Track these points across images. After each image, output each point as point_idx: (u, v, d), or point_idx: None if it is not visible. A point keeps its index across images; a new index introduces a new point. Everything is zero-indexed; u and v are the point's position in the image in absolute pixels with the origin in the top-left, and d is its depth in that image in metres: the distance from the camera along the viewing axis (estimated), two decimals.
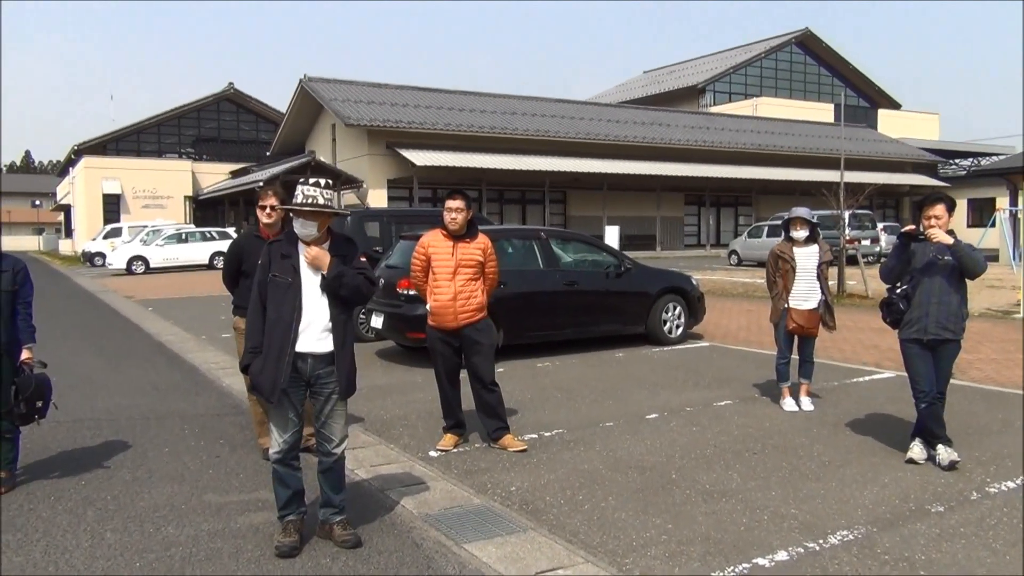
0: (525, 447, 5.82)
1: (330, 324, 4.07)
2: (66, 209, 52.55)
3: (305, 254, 4.07)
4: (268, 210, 5.47)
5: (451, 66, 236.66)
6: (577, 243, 11.03)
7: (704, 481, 5.11)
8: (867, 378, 8.37)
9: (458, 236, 5.79)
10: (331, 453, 4.20)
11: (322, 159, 33.34)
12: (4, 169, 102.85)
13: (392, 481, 5.16)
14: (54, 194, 62.47)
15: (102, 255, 32.91)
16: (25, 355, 5.09)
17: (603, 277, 10.26)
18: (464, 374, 5.98)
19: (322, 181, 4.08)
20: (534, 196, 36.34)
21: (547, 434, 6.25)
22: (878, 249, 26.27)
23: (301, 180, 4.14)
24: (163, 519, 4.57)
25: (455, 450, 5.86)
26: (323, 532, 4.25)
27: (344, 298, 4.11)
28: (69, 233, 50.42)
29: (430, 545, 4.16)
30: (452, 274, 5.74)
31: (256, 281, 4.16)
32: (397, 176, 31.96)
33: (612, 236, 27.36)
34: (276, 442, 4.12)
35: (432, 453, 5.77)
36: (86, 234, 40.69)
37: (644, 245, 35.88)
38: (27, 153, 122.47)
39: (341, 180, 31.67)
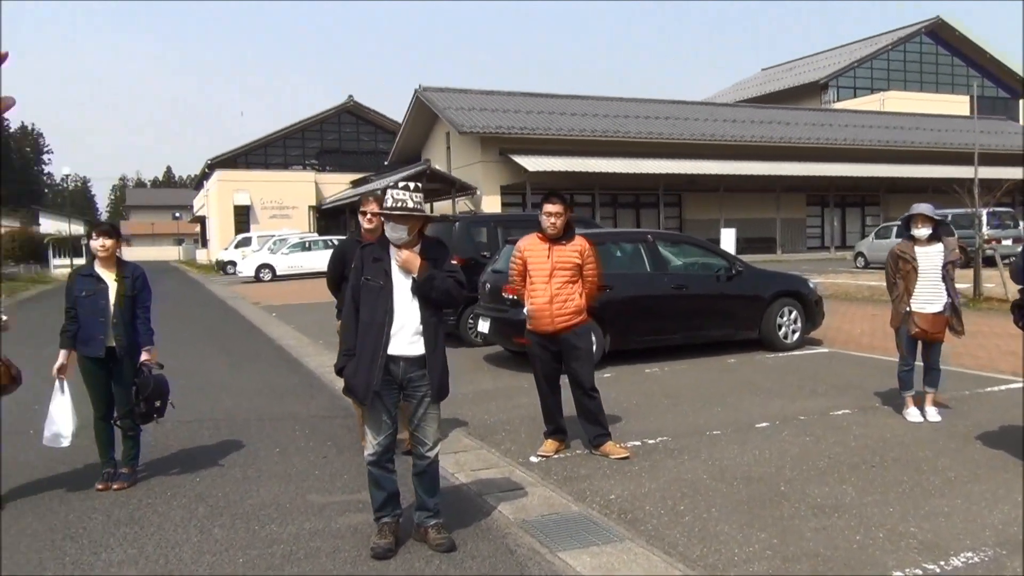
0: (627, 454, 5.69)
1: (421, 327, 4.09)
2: (202, 220, 55.75)
3: (396, 257, 4.10)
4: (369, 216, 5.56)
5: (562, 71, 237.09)
6: (686, 245, 10.76)
7: (816, 495, 4.83)
8: (1003, 387, 7.76)
9: (554, 239, 5.73)
10: (425, 456, 4.22)
11: (437, 167, 33.99)
12: (131, 184, 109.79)
13: (491, 486, 5.14)
14: (191, 206, 66.27)
15: (233, 263, 34.71)
16: (144, 357, 5.35)
17: (713, 280, 9.96)
18: (565, 379, 5.91)
19: (411, 185, 4.11)
20: (648, 200, 35.83)
21: (651, 441, 6.09)
22: (1021, 249, 24.44)
23: (391, 185, 4.18)
24: (268, 517, 4.71)
25: (555, 456, 5.78)
26: (418, 535, 4.26)
27: (435, 301, 4.11)
28: (205, 243, 53.45)
29: (524, 552, 4.10)
30: (548, 277, 5.68)
31: (350, 285, 4.23)
32: (510, 182, 32.19)
33: (728, 239, 26.60)
34: (370, 444, 4.17)
35: (532, 459, 5.72)
36: (220, 243, 43.00)
37: (763, 248, 34.75)
38: (168, 168, 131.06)
39: (456, 187, 32.21)
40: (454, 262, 4.27)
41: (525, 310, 5.89)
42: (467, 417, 6.94)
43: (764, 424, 6.52)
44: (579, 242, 5.78)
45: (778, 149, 36.10)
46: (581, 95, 37.78)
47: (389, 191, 4.13)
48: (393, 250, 4.14)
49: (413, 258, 4.06)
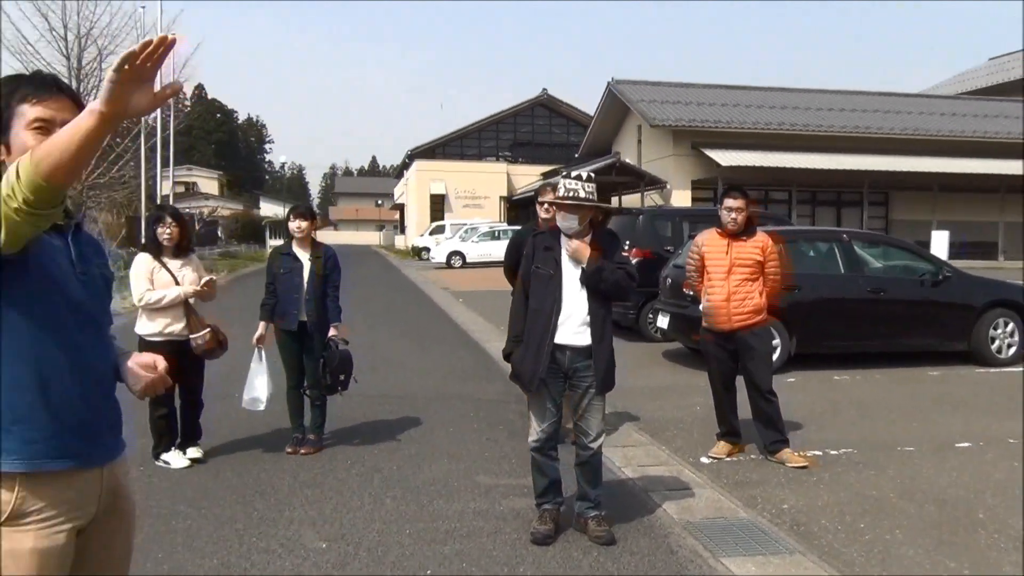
0: (806, 463, 5.38)
1: (589, 318, 4.06)
2: (401, 208, 58.67)
3: (566, 247, 4.09)
4: (546, 206, 5.60)
5: (763, 63, 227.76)
6: (887, 247, 10.02)
7: (1019, 527, 4.35)
8: None
9: (734, 234, 5.50)
10: (587, 447, 4.19)
11: (627, 160, 33.73)
12: (340, 172, 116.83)
13: (657, 483, 5.04)
14: (392, 194, 69.89)
15: (428, 249, 36.30)
16: (332, 332, 5.70)
17: (916, 285, 9.19)
18: (742, 380, 5.68)
19: (584, 174, 4.08)
20: (851, 198, 33.67)
21: (833, 452, 5.72)
22: None
23: (564, 174, 4.18)
24: (436, 493, 4.88)
25: (728, 459, 5.58)
26: (579, 525, 4.25)
27: (603, 292, 4.08)
28: (403, 230, 56.22)
29: (685, 553, 3.99)
30: (726, 274, 5.47)
31: (520, 272, 4.27)
32: (702, 177, 31.36)
33: (940, 243, 24.52)
34: (534, 431, 4.21)
35: (703, 459, 5.55)
36: (416, 230, 45.08)
37: (982, 254, 31.64)
38: (373, 158, 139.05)
39: (645, 181, 31.81)
40: (631, 255, 4.20)
41: (701, 307, 5.72)
42: (639, 412, 6.84)
43: (965, 444, 5.95)
44: (761, 238, 5.53)
45: (1003, 145, 32.75)
46: (779, 87, 36.12)
47: (562, 180, 4.14)
48: (564, 239, 4.14)
49: (583, 248, 4.04)
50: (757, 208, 5.67)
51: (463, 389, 8.04)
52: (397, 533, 4.24)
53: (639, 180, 32.15)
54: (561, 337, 4.07)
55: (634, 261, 8.43)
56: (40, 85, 1.94)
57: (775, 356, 7.48)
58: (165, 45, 1.57)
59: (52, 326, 1.91)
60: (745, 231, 5.52)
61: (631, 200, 33.29)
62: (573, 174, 4.10)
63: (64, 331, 1.94)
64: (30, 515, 1.91)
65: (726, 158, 29.50)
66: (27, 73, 2.02)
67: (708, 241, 5.66)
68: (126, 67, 1.56)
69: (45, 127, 1.89)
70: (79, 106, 1.95)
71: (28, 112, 1.89)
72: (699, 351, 9.05)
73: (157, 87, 1.66)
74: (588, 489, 4.23)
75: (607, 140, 40.08)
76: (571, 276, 4.09)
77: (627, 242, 10.19)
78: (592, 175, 4.12)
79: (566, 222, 4.08)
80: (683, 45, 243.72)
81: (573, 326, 4.07)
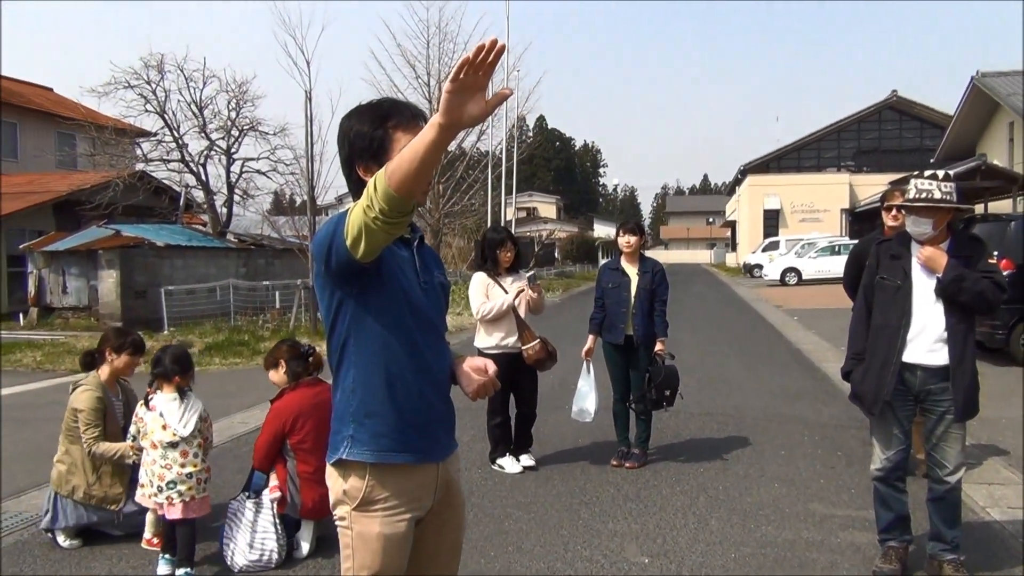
0: None
1: (945, 334, 3.58)
2: (732, 225, 57.32)
3: (918, 255, 3.65)
4: (894, 212, 5.08)
5: None
6: None
7: None
8: None
9: None
10: (943, 481, 3.69)
11: (995, 162, 29.68)
12: (671, 192, 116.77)
13: None
14: (723, 211, 68.63)
15: (760, 266, 34.96)
16: (658, 347, 5.66)
17: None
18: None
19: (940, 174, 3.62)
20: None
21: None
22: None
23: (915, 174, 3.73)
24: (765, 518, 4.61)
25: None
26: (931, 568, 3.76)
27: (964, 305, 3.56)
28: (734, 247, 54.86)
29: None
30: None
31: (862, 283, 3.88)
32: None
33: None
34: (878, 459, 3.80)
35: None
36: (747, 247, 43.72)
37: None
38: (704, 176, 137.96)
39: (1019, 185, 27.77)
40: (1001, 266, 3.64)
41: None
42: (1008, 445, 5.91)
43: None
44: None
45: None
46: None
47: (913, 181, 3.71)
48: (915, 246, 3.70)
49: (938, 255, 3.58)
50: None
51: (796, 411, 7.56)
52: (722, 556, 4.07)
53: (1010, 184, 28.13)
54: (911, 355, 3.63)
55: (1005, 273, 7.33)
56: (412, 117, 2.14)
57: None
58: (496, 51, 1.64)
59: (399, 330, 2.10)
60: None
61: (1000, 206, 29.22)
62: (927, 173, 3.66)
63: (408, 335, 2.12)
64: (377, 503, 2.11)
65: None
66: (400, 100, 2.24)
67: None
68: (462, 75, 1.67)
69: None
70: None
71: (402, 139, 2.09)
72: None
73: (489, 95, 1.75)
74: (944, 529, 3.71)
75: (970, 142, 35.67)
76: (923, 287, 3.64)
77: (995, 252, 8.91)
78: (950, 174, 3.64)
79: (918, 227, 3.64)
80: None
81: (926, 343, 3.61)
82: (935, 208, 3.59)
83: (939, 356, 3.60)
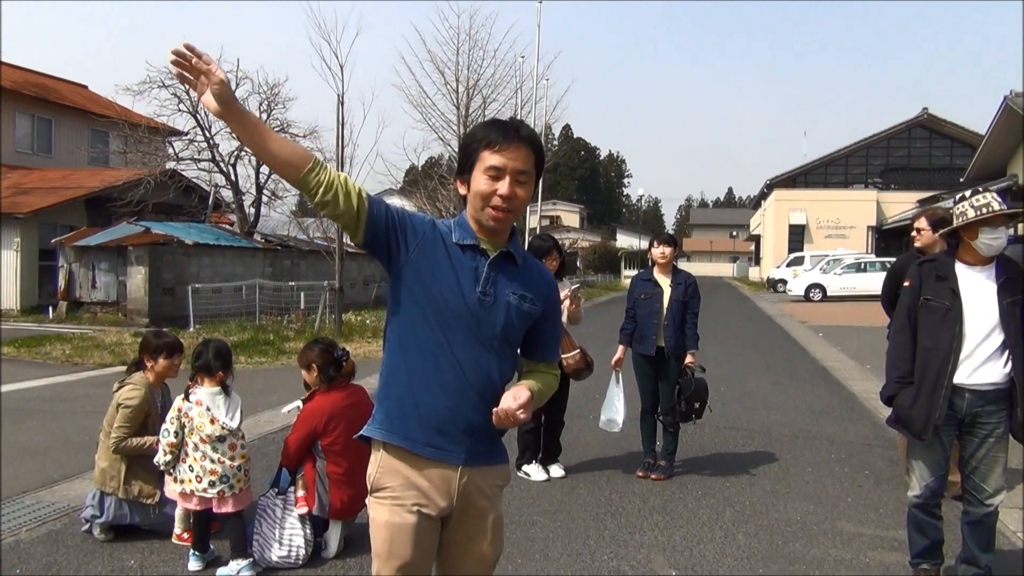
0: None
1: (996, 354, 3.51)
2: (756, 239, 56.96)
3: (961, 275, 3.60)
4: (916, 233, 5.09)
5: None
6: None
7: None
8: None
9: None
10: (983, 504, 3.63)
11: None
12: (695, 204, 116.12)
13: None
14: (748, 225, 68.26)
15: (784, 281, 34.72)
16: (688, 359, 5.65)
17: None
18: None
19: (980, 188, 3.60)
20: None
21: None
22: None
23: (959, 196, 3.67)
24: (793, 535, 4.59)
25: None
26: None
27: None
28: (757, 261, 54.52)
29: None
30: None
31: (904, 305, 3.82)
32: None
33: None
34: (917, 484, 3.74)
35: None
36: (771, 262, 43.42)
37: None
38: (729, 189, 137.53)
39: None
40: None
41: None
42: None
43: None
44: None
45: None
46: None
47: (960, 204, 3.61)
48: (960, 268, 3.65)
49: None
50: None
51: (823, 428, 7.50)
52: (750, 571, 4.05)
53: None
54: (959, 378, 3.57)
55: None
56: (504, 134, 2.16)
57: None
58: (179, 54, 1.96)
59: (426, 328, 2.16)
60: None
61: None
62: (968, 192, 3.62)
63: (436, 336, 2.15)
64: (384, 490, 2.20)
65: None
66: (503, 120, 2.27)
67: None
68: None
69: (497, 175, 2.14)
70: (536, 151, 2.20)
71: (488, 159, 2.15)
72: None
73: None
74: (978, 553, 3.67)
75: (1001, 161, 35.20)
76: (976, 308, 3.57)
77: None
78: (989, 187, 3.61)
79: (998, 239, 3.53)
80: None
81: (975, 364, 3.56)
82: (1009, 216, 3.54)
83: (988, 376, 3.54)
